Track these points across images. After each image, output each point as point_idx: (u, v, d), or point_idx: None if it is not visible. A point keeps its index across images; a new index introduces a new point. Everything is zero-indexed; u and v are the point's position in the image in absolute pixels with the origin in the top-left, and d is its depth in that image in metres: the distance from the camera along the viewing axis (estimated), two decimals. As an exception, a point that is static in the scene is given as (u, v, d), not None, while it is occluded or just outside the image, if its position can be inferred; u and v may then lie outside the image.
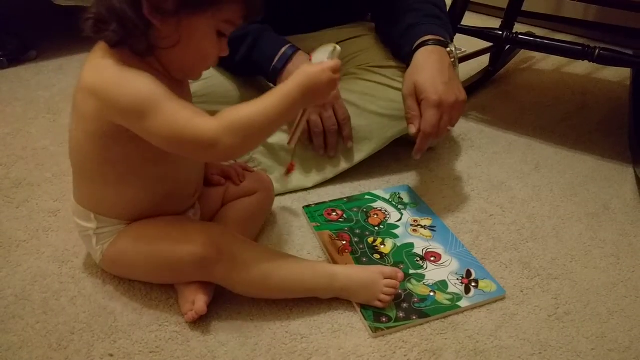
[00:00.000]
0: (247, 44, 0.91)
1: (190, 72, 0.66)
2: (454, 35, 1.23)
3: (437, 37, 0.89)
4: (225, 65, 0.98)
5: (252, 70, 0.95)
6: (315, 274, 0.70)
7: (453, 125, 0.86)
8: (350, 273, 0.71)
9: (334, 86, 0.64)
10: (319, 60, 0.69)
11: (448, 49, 0.88)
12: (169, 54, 0.60)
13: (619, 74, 1.53)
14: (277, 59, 0.91)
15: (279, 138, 0.93)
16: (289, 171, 0.88)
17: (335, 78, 0.63)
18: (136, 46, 0.58)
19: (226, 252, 0.67)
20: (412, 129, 0.84)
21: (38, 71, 1.45)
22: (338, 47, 0.70)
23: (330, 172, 0.98)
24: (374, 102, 0.97)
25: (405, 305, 0.72)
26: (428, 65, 0.85)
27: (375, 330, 0.68)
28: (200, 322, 0.69)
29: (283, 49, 0.91)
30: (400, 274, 0.71)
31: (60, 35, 1.64)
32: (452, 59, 0.88)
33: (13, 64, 1.47)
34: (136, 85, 0.58)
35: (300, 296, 0.71)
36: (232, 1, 0.59)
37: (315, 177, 0.97)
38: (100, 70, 0.59)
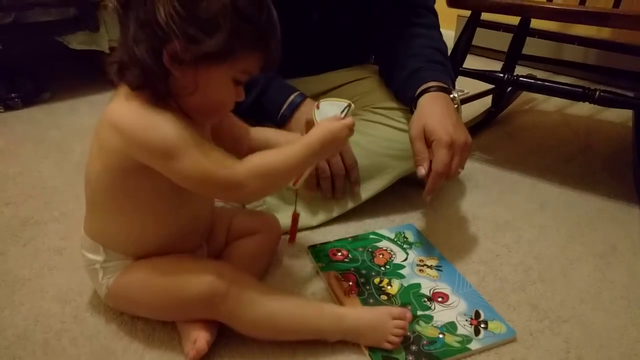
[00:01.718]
0: (256, 90, 0.94)
1: (208, 116, 0.67)
2: (457, 77, 1.26)
3: (441, 84, 0.91)
4: (234, 110, 1.01)
5: (260, 116, 0.97)
6: (322, 315, 0.69)
7: (462, 167, 0.87)
8: (358, 315, 0.70)
9: (347, 141, 0.69)
10: (329, 112, 0.72)
11: (451, 95, 0.90)
12: (187, 100, 0.62)
13: (621, 116, 1.55)
14: (285, 106, 0.93)
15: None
16: (293, 227, 0.85)
17: (350, 135, 0.68)
18: (156, 91, 0.60)
19: (233, 290, 0.66)
20: (421, 171, 0.84)
21: (51, 112, 1.49)
22: (352, 105, 0.74)
23: (335, 211, 0.98)
24: (378, 143, 0.98)
25: (414, 347, 0.70)
26: (436, 108, 0.86)
27: (382, 374, 0.67)
28: (202, 364, 0.68)
29: (291, 97, 0.93)
30: (409, 314, 0.70)
31: (73, 77, 1.69)
32: (456, 105, 0.90)
33: (27, 104, 1.51)
34: (164, 128, 0.59)
35: (306, 338, 0.69)
36: (250, 53, 0.61)
37: (320, 217, 0.97)
38: (127, 111, 0.61)
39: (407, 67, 0.97)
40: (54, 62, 1.82)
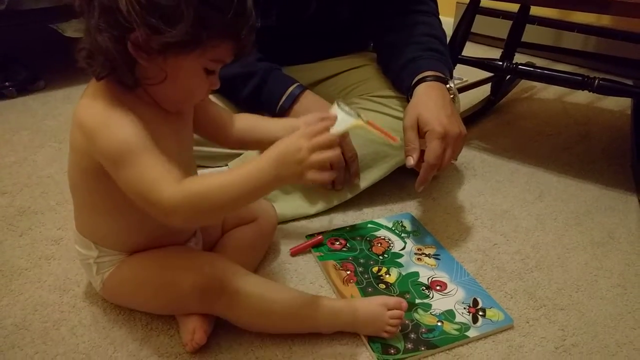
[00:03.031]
0: (254, 81, 0.93)
1: (179, 105, 0.66)
2: (455, 65, 1.25)
3: (437, 73, 0.90)
4: (231, 100, 1.00)
5: (259, 108, 0.96)
6: (318, 310, 0.69)
7: (456, 159, 0.86)
8: (354, 309, 0.70)
9: (323, 159, 0.58)
10: (340, 127, 0.68)
11: (448, 86, 0.90)
12: (157, 89, 0.61)
13: (620, 104, 1.55)
14: (284, 98, 0.92)
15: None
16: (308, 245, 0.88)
17: (315, 146, 0.57)
18: (123, 80, 0.59)
19: (228, 285, 0.66)
20: (410, 161, 0.84)
21: (45, 100, 1.47)
22: (362, 121, 0.69)
23: (334, 201, 0.98)
24: (376, 132, 0.97)
25: (413, 335, 0.71)
26: (431, 99, 0.86)
27: (381, 362, 0.67)
28: (200, 353, 0.68)
29: (290, 88, 0.92)
30: (404, 304, 0.70)
31: (68, 66, 1.67)
32: (452, 96, 0.89)
33: (22, 93, 1.50)
34: (118, 131, 0.57)
35: (302, 332, 0.70)
36: (220, 42, 0.58)
37: (319, 206, 0.97)
38: (90, 111, 0.59)
39: (404, 55, 0.97)
40: (48, 50, 1.80)
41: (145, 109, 0.61)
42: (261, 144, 0.81)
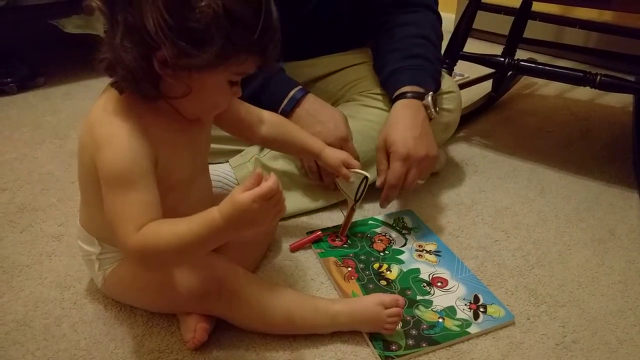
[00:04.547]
0: (256, 82, 0.92)
1: (202, 116, 0.66)
2: (457, 61, 1.25)
3: (415, 89, 0.91)
4: None
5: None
6: (316, 313, 0.69)
7: (423, 180, 0.88)
8: (351, 311, 0.70)
9: (276, 212, 0.56)
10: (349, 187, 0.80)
11: (424, 102, 0.90)
12: (181, 101, 0.60)
13: (621, 100, 1.54)
14: (285, 101, 0.91)
15: (285, 164, 0.94)
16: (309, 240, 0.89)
17: (268, 205, 0.54)
18: (145, 93, 0.58)
19: (227, 288, 0.66)
20: (377, 182, 0.88)
21: (46, 97, 1.47)
22: (369, 177, 0.82)
23: (334, 197, 0.98)
24: (375, 128, 0.97)
25: (414, 332, 0.71)
26: (401, 120, 0.87)
27: (385, 358, 0.67)
28: (201, 350, 0.68)
29: (292, 92, 0.91)
30: (401, 301, 0.70)
31: (68, 62, 1.67)
32: (428, 111, 0.90)
33: (22, 90, 1.50)
34: (118, 155, 0.56)
35: (301, 333, 0.70)
36: (246, 57, 0.57)
37: (318, 202, 0.97)
38: (103, 116, 0.59)
39: (387, 66, 0.97)
40: (49, 46, 1.80)
41: (163, 119, 0.61)
42: (284, 149, 0.87)
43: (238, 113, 0.77)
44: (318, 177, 0.93)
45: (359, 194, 0.85)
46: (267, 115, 0.81)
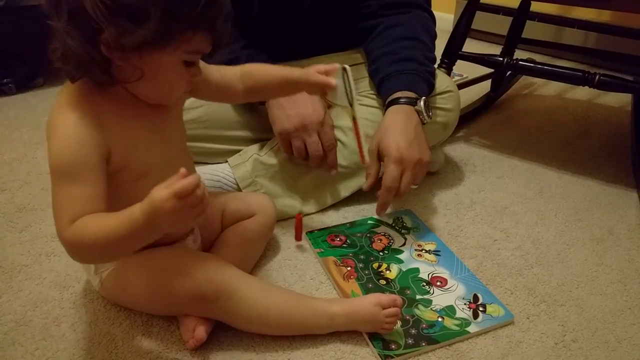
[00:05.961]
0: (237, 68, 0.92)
1: (161, 100, 0.65)
2: (455, 61, 1.25)
3: (407, 94, 0.91)
4: None
5: None
6: (314, 314, 0.69)
7: (416, 184, 0.88)
8: (349, 311, 0.70)
9: (195, 212, 0.52)
10: (332, 99, 0.72)
11: (416, 107, 0.90)
12: (136, 85, 0.60)
13: (620, 100, 1.55)
14: None
15: (285, 165, 0.94)
16: (297, 225, 0.88)
17: (184, 204, 0.51)
18: (97, 79, 0.58)
19: (224, 290, 0.66)
20: (365, 185, 0.88)
21: (45, 97, 1.47)
22: (348, 67, 0.74)
23: (331, 199, 0.98)
24: (374, 127, 0.97)
25: (413, 331, 0.71)
26: (394, 125, 0.87)
27: (385, 357, 0.67)
28: (201, 350, 0.68)
29: None
30: (399, 300, 0.70)
31: (68, 62, 1.67)
32: (421, 116, 0.90)
33: (21, 90, 1.49)
34: (63, 148, 0.57)
35: (299, 334, 0.70)
36: (194, 34, 0.56)
37: (315, 206, 0.97)
38: (55, 108, 0.59)
39: (380, 70, 0.97)
40: (48, 46, 1.80)
41: (120, 106, 0.61)
42: (268, 92, 0.81)
43: (217, 81, 0.74)
44: (305, 156, 0.91)
45: (348, 94, 0.78)
46: (238, 69, 0.78)
